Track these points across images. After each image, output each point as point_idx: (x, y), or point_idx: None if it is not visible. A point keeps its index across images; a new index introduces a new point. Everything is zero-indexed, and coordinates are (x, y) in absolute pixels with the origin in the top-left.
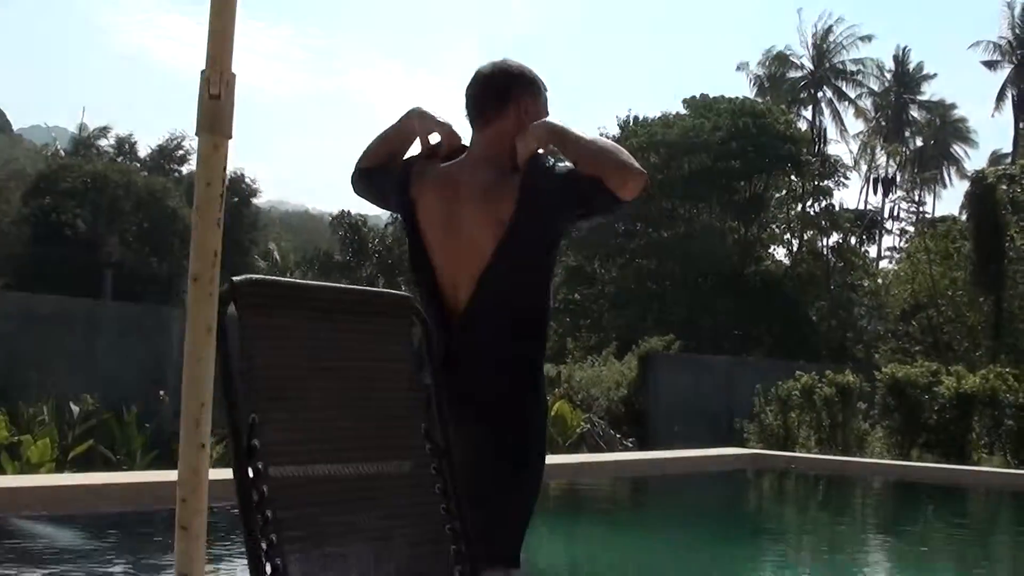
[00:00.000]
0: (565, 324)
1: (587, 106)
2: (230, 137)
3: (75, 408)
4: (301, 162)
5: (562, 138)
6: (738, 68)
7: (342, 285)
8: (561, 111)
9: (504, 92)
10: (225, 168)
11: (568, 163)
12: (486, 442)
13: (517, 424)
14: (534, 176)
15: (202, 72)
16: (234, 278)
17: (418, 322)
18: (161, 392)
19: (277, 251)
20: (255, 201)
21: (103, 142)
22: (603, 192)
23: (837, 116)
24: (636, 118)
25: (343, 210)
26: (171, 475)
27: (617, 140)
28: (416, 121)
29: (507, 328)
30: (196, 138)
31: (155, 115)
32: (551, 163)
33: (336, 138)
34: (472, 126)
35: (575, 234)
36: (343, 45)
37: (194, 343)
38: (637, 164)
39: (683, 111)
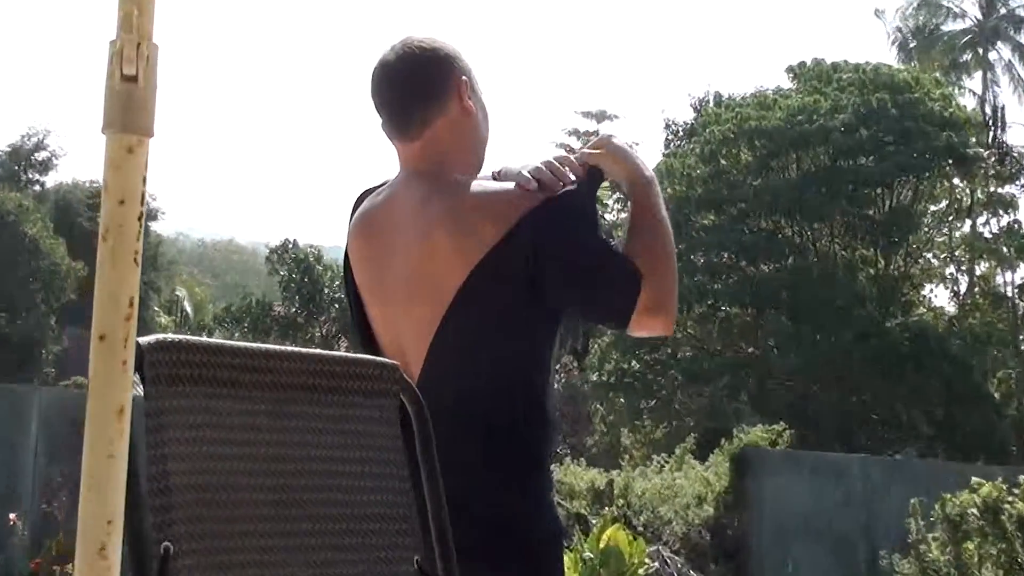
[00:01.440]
0: (618, 408)
1: (648, 84)
2: (151, 135)
3: None
4: (224, 175)
5: (642, 190)
6: (876, 14)
7: (295, 349)
8: (613, 94)
9: (436, 80)
10: (145, 179)
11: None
12: None
13: (501, 556)
14: (543, 227)
15: (111, 43)
16: (139, 339)
17: (407, 402)
18: (12, 516)
19: (188, 300)
20: (156, 228)
21: None
22: (610, 311)
23: (1021, 87)
24: (718, 97)
25: (286, 240)
26: None
27: (692, 129)
28: None
29: (478, 420)
30: (64, 136)
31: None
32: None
33: (271, 147)
34: (396, 136)
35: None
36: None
37: (99, 433)
38: (675, 301)
39: (788, 84)
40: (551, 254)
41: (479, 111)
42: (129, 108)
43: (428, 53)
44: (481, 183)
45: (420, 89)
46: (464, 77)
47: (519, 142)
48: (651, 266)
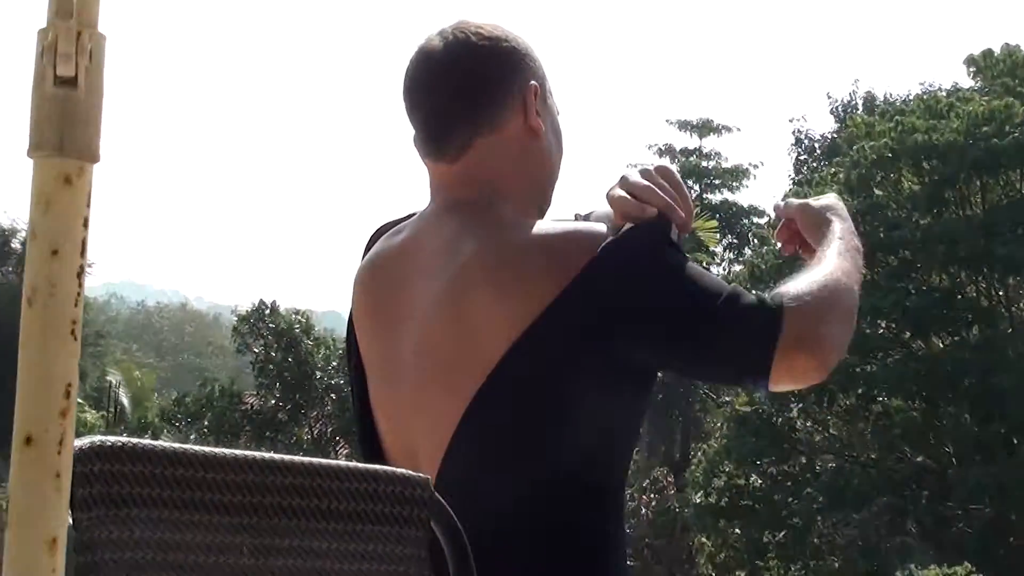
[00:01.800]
0: (732, 543)
1: (771, 83)
2: (96, 160)
3: None
4: (174, 213)
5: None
6: None
7: (281, 458)
8: (720, 97)
9: (494, 82)
10: (87, 220)
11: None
12: None
13: None
14: (617, 271)
15: (40, 32)
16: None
17: (441, 533)
18: None
19: (124, 387)
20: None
21: None
22: (741, 362)
23: None
24: (870, 99)
25: (261, 303)
26: None
27: (834, 145)
28: None
29: (514, 554)
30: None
31: None
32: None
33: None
34: (428, 154)
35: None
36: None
37: (23, 574)
38: (835, 333)
39: (967, 82)
40: (636, 306)
41: (549, 131)
42: (67, 122)
43: (489, 44)
44: (540, 222)
45: (470, 92)
46: (534, 82)
47: (590, 166)
48: (821, 285)
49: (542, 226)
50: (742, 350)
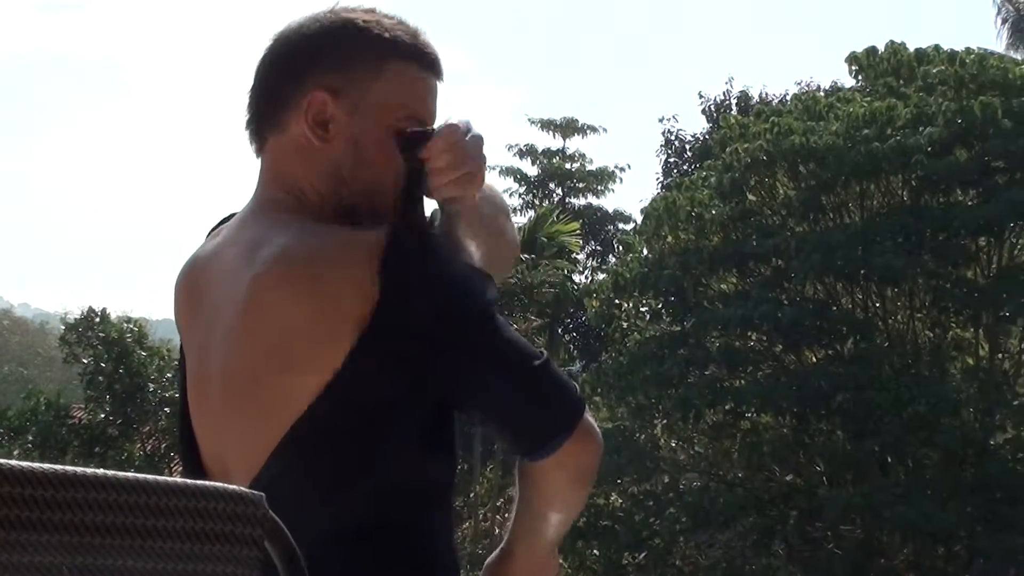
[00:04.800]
0: (590, 564)
1: (640, 78)
2: None
3: None
4: None
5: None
6: None
7: (106, 474)
8: (585, 93)
9: (288, 80)
10: None
11: None
12: None
13: None
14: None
15: None
16: None
17: (276, 552)
18: None
19: None
20: None
21: None
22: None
23: None
24: (744, 99)
25: (91, 310)
26: None
27: (706, 146)
28: None
29: None
30: None
31: None
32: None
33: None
34: (249, 142)
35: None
36: None
37: None
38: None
39: (849, 81)
40: (458, 353)
41: (349, 144)
42: None
43: (306, 33)
44: (351, 232)
45: (266, 85)
46: (320, 93)
47: None
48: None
49: (357, 238)
50: (539, 419)
